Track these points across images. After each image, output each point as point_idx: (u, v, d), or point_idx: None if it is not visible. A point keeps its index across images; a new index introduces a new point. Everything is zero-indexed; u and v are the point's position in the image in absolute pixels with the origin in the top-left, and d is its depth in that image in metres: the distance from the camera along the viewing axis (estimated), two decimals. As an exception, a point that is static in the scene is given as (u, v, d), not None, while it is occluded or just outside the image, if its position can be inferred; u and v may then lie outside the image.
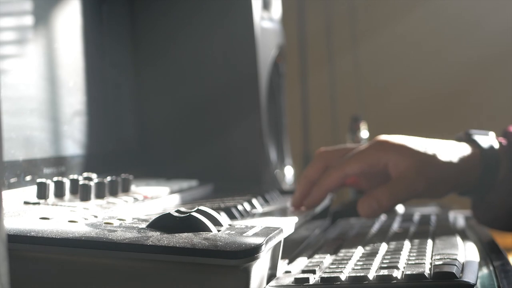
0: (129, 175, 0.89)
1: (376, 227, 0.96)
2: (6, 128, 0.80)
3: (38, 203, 0.75)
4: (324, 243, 0.87)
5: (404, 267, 0.67)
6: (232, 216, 0.81)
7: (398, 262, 0.68)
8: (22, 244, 0.60)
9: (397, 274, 0.64)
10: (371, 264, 0.69)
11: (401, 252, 0.73)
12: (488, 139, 0.98)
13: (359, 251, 0.77)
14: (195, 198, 0.99)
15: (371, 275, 0.64)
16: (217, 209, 0.79)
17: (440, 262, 0.67)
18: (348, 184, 1.00)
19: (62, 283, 0.60)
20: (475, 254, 0.75)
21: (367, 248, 0.78)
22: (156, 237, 0.60)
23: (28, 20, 0.89)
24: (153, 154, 1.15)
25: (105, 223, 0.66)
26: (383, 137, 0.95)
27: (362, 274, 0.64)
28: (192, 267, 0.59)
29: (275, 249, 0.69)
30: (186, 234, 0.61)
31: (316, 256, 0.76)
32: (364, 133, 1.36)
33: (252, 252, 0.59)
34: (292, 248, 0.83)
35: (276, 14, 1.29)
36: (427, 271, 0.64)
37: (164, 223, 0.64)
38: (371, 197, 0.91)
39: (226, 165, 1.14)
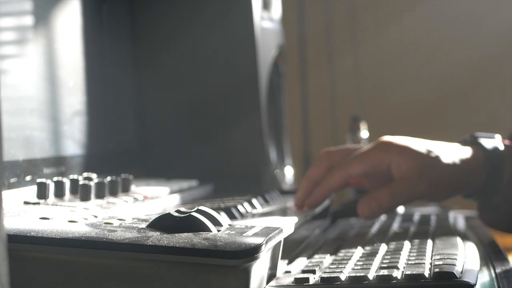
0: (129, 175, 0.89)
1: (376, 227, 0.96)
2: (6, 128, 0.80)
3: (38, 203, 0.75)
4: (324, 243, 0.87)
5: (404, 267, 0.67)
6: (232, 216, 0.81)
7: (398, 262, 0.68)
8: (22, 244, 0.60)
9: (397, 274, 0.64)
10: (371, 264, 0.69)
11: (401, 252, 0.73)
12: (493, 142, 0.97)
13: (359, 251, 0.77)
14: (195, 198, 0.99)
15: (371, 275, 0.64)
16: (217, 209, 0.79)
17: (440, 262, 0.67)
18: (352, 185, 1.00)
19: (62, 283, 0.60)
20: (475, 254, 0.75)
21: (367, 248, 0.78)
22: (156, 237, 0.60)
23: (28, 20, 0.89)
24: (153, 154, 1.15)
25: (105, 223, 0.66)
26: (387, 138, 0.95)
27: (362, 274, 0.64)
28: (192, 267, 0.59)
29: (275, 249, 0.69)
30: (186, 234, 0.61)
31: (316, 256, 0.76)
32: (364, 133, 1.36)
33: (252, 252, 0.59)
34: (292, 248, 0.83)
35: (276, 14, 1.29)
36: (427, 271, 0.64)
37: (164, 223, 0.64)
38: (371, 198, 0.91)
39: (226, 165, 1.14)
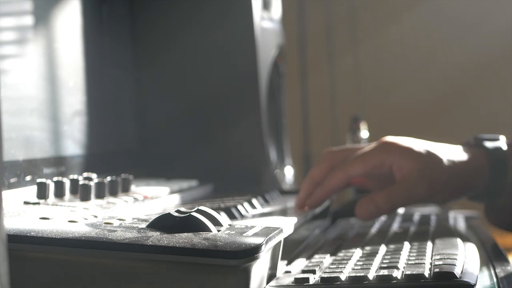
0: (129, 175, 0.89)
1: (376, 227, 0.96)
2: (6, 128, 0.80)
3: (38, 203, 0.75)
4: (324, 243, 0.87)
5: (404, 267, 0.67)
6: (232, 216, 0.81)
7: (398, 262, 0.68)
8: (22, 244, 0.60)
9: (397, 274, 0.64)
10: (371, 264, 0.69)
11: (401, 252, 0.73)
12: (497, 143, 0.97)
13: (359, 251, 0.77)
14: (195, 198, 0.99)
15: (371, 275, 0.64)
16: (217, 209, 0.79)
17: (440, 262, 0.67)
18: (354, 185, 1.00)
19: (62, 283, 0.60)
20: (475, 254, 0.75)
21: (367, 248, 0.78)
22: (156, 237, 0.60)
23: (28, 20, 0.89)
24: (153, 154, 1.15)
25: (105, 223, 0.66)
26: (389, 138, 0.95)
27: (362, 274, 0.64)
28: (192, 267, 0.59)
29: (275, 249, 0.69)
30: (186, 234, 0.61)
31: (316, 256, 0.76)
32: (364, 133, 1.36)
33: (252, 252, 0.59)
34: (292, 248, 0.83)
35: (276, 14, 1.29)
36: (427, 271, 0.64)
37: (164, 223, 0.64)
38: (369, 200, 0.91)
39: (226, 165, 1.14)
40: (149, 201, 0.85)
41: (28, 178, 0.82)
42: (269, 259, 0.68)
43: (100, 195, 0.82)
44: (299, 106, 2.72)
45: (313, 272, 0.67)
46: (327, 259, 0.74)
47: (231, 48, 1.14)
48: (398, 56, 2.83)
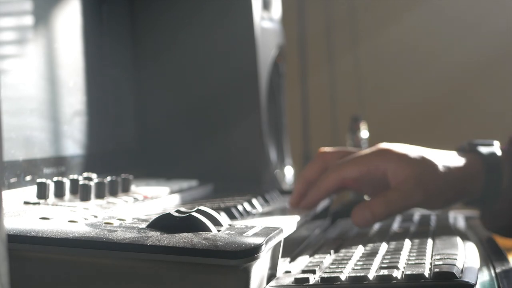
0: (129, 175, 0.89)
1: (376, 227, 0.96)
2: (6, 128, 0.80)
3: (38, 203, 0.75)
4: (324, 243, 0.87)
5: (404, 267, 0.67)
6: (232, 216, 0.81)
7: (398, 262, 0.68)
8: (22, 244, 0.60)
9: (397, 274, 0.64)
10: (371, 264, 0.69)
11: (401, 252, 0.73)
12: (491, 148, 0.97)
13: (359, 251, 0.77)
14: (195, 198, 0.99)
15: (371, 275, 0.64)
16: (217, 209, 0.79)
17: (440, 262, 0.67)
18: (350, 188, 1.00)
19: (62, 283, 0.60)
20: (475, 254, 0.75)
21: (367, 248, 0.78)
22: (156, 237, 0.60)
23: (28, 20, 0.89)
24: (153, 154, 1.15)
25: (105, 223, 0.66)
26: (385, 145, 0.95)
27: (362, 274, 0.64)
28: (192, 267, 0.59)
29: (275, 249, 0.69)
30: (186, 234, 0.61)
31: (316, 256, 0.76)
32: (364, 133, 1.36)
33: (252, 252, 0.59)
34: (292, 248, 0.83)
35: (276, 14, 1.29)
36: (427, 271, 0.64)
37: (164, 223, 0.64)
38: (365, 207, 0.91)
39: (226, 165, 1.14)
40: (149, 201, 0.85)
41: (28, 178, 0.82)
42: (269, 259, 0.68)
43: (100, 195, 0.82)
44: (299, 106, 2.72)
45: (313, 272, 0.67)
46: (327, 259, 0.74)
47: (231, 48, 1.14)
48: (398, 56, 2.82)
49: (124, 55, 1.14)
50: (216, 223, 0.66)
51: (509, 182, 0.95)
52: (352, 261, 0.71)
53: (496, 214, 0.98)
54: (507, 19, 2.71)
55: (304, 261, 0.75)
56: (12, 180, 0.79)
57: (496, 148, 0.97)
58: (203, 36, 1.14)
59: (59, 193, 0.80)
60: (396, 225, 0.97)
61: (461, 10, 2.78)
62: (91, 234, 0.61)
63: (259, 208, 0.92)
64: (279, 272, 0.70)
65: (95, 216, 0.70)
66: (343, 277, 0.64)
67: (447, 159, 0.94)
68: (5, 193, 0.77)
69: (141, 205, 0.82)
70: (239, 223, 0.70)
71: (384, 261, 0.70)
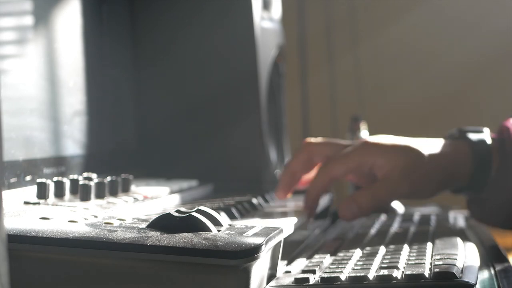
0: (129, 175, 0.89)
1: (376, 227, 0.96)
2: (6, 128, 0.80)
3: (38, 203, 0.75)
4: (324, 243, 0.87)
5: (404, 267, 0.67)
6: (232, 216, 0.81)
7: (398, 262, 0.68)
8: (22, 244, 0.60)
9: (397, 274, 0.64)
10: (371, 264, 0.69)
11: (401, 252, 0.73)
12: (481, 135, 0.96)
13: (359, 251, 0.77)
14: (195, 198, 0.99)
15: (371, 275, 0.64)
16: (217, 209, 0.79)
17: (440, 262, 0.67)
18: (348, 179, 1.00)
19: (62, 283, 0.60)
20: (475, 254, 0.75)
21: (367, 248, 0.78)
22: (156, 237, 0.60)
23: (28, 20, 0.89)
24: (153, 154, 1.15)
25: (105, 223, 0.66)
26: (369, 138, 0.95)
27: (362, 274, 0.64)
28: (192, 267, 0.59)
29: (275, 249, 0.69)
30: (186, 234, 0.61)
31: (316, 256, 0.76)
32: (364, 133, 1.37)
33: (252, 252, 0.59)
34: (292, 248, 0.83)
35: (276, 14, 1.29)
36: (427, 271, 0.64)
37: (164, 223, 0.64)
38: (351, 200, 0.91)
39: (226, 165, 1.14)
40: (149, 201, 0.85)
41: (28, 178, 0.82)
42: (269, 259, 0.68)
43: (100, 195, 0.82)
44: (299, 106, 2.72)
45: (313, 272, 0.67)
46: (327, 259, 0.74)
47: (231, 48, 1.14)
48: (398, 56, 2.83)
49: (124, 55, 1.14)
50: (216, 223, 0.66)
51: (498, 170, 0.95)
52: (352, 261, 0.71)
53: (483, 202, 0.97)
54: (507, 19, 2.71)
55: (304, 261, 0.75)
56: (12, 180, 0.79)
57: (486, 135, 0.96)
58: (203, 36, 1.14)
59: (59, 193, 0.80)
60: (396, 225, 0.97)
61: (461, 10, 2.78)
62: (91, 234, 0.61)
63: (259, 208, 0.92)
64: (279, 272, 0.70)
65: (95, 216, 0.70)
66: (343, 277, 0.64)
67: (433, 147, 0.94)
68: (5, 193, 0.77)
69: (141, 205, 0.82)
70: (239, 223, 0.70)
71: (384, 261, 0.70)
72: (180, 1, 1.15)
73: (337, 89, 2.84)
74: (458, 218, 1.07)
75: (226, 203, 0.87)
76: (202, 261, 0.59)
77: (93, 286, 0.60)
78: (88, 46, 1.02)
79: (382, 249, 0.77)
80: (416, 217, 1.03)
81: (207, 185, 1.08)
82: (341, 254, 0.76)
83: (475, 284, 0.62)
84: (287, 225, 0.76)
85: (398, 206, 1.13)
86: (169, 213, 0.64)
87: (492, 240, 0.94)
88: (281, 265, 0.72)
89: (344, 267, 0.67)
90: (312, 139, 0.99)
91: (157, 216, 0.65)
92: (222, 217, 0.70)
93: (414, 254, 0.73)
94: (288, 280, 0.65)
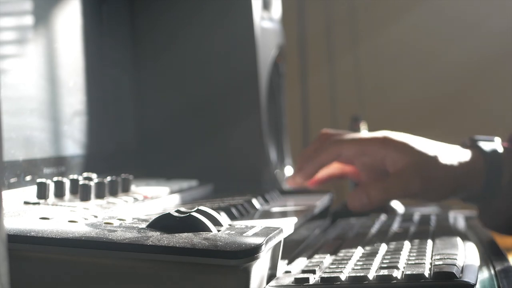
0: (129, 175, 0.89)
1: (376, 227, 0.96)
2: (6, 128, 0.80)
3: (38, 203, 0.75)
4: (324, 243, 0.87)
5: (404, 267, 0.67)
6: (232, 216, 0.81)
7: (398, 262, 0.68)
8: (22, 244, 0.60)
9: (397, 274, 0.64)
10: (371, 264, 0.69)
11: (401, 252, 0.73)
12: (492, 144, 0.97)
13: (359, 251, 0.77)
14: (195, 198, 0.99)
15: (371, 275, 0.64)
16: (217, 209, 0.79)
17: (440, 262, 0.67)
18: (349, 176, 1.00)
19: (62, 283, 0.60)
20: (475, 254, 0.75)
21: (367, 248, 0.78)
22: (156, 237, 0.60)
23: (28, 20, 0.89)
24: (153, 154, 1.15)
25: (105, 223, 0.66)
26: (386, 133, 0.95)
27: (362, 274, 0.64)
28: (192, 267, 0.59)
29: (275, 249, 0.69)
30: (186, 234, 0.61)
31: (316, 256, 0.76)
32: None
33: (252, 252, 0.59)
34: (292, 248, 0.83)
35: (276, 14, 1.29)
36: (427, 271, 0.64)
37: (164, 223, 0.64)
38: (362, 190, 0.91)
39: (226, 165, 1.14)
40: (149, 201, 0.85)
41: (28, 178, 0.82)
42: (269, 259, 0.68)
43: (100, 195, 0.82)
44: (299, 106, 2.72)
45: (313, 272, 0.67)
46: (327, 259, 0.74)
47: (231, 48, 1.14)
48: (398, 56, 2.82)
49: (124, 55, 1.14)
50: (216, 223, 0.66)
51: (509, 180, 0.95)
52: (352, 261, 0.71)
53: (494, 211, 0.98)
54: (507, 19, 2.71)
55: (304, 261, 0.75)
56: (12, 180, 0.79)
57: (497, 145, 0.97)
58: (203, 36, 1.14)
59: (59, 193, 0.80)
60: (396, 225, 0.97)
61: (461, 10, 2.78)
62: (91, 234, 0.61)
63: (259, 208, 0.92)
64: (279, 272, 0.70)
65: (95, 216, 0.70)
66: (343, 277, 0.64)
67: (449, 152, 0.94)
68: (5, 193, 0.77)
69: (141, 205, 0.82)
70: (239, 223, 0.70)
71: (384, 261, 0.70)
72: (180, 1, 1.15)
73: (337, 89, 2.84)
74: (458, 218, 1.07)
75: (226, 203, 0.87)
76: (202, 261, 0.59)
77: (93, 286, 0.60)
78: (88, 46, 1.02)
79: (382, 249, 0.77)
80: (416, 217, 1.03)
81: (207, 185, 1.08)
82: (341, 254, 0.76)
83: (475, 284, 0.62)
84: (287, 225, 0.76)
85: (398, 206, 1.13)
86: (169, 213, 0.64)
87: (492, 240, 0.94)
88: (281, 265, 0.72)
89: (344, 267, 0.67)
90: (330, 129, 1.00)
91: (157, 216, 0.65)
92: (222, 217, 0.70)
93: (414, 254, 0.73)
94: (288, 280, 0.65)
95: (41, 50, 0.90)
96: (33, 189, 0.78)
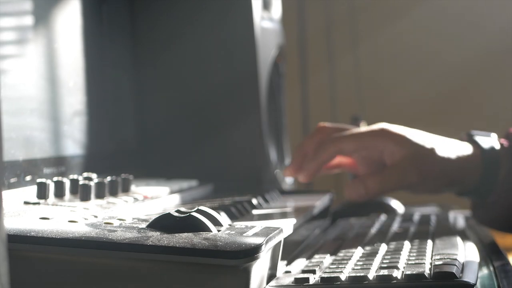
0: (129, 175, 0.89)
1: (376, 227, 0.96)
2: (6, 128, 0.80)
3: (38, 203, 0.75)
4: (324, 243, 0.87)
5: (404, 267, 0.67)
6: (232, 216, 0.81)
7: (398, 262, 0.68)
8: (22, 244, 0.60)
9: (397, 274, 0.64)
10: (371, 264, 0.69)
11: (401, 252, 0.73)
12: (490, 140, 0.97)
13: (359, 251, 0.77)
14: (195, 198, 0.99)
15: (371, 275, 0.64)
16: (217, 209, 0.79)
17: (440, 262, 0.67)
18: (347, 169, 1.00)
19: (62, 283, 0.60)
20: (475, 254, 0.75)
21: (367, 248, 0.78)
22: (156, 237, 0.60)
23: (28, 20, 0.89)
24: (153, 154, 1.15)
25: (105, 223, 0.66)
26: (384, 125, 0.95)
27: (362, 274, 0.64)
28: (192, 267, 0.59)
29: (275, 249, 0.69)
30: (186, 234, 0.61)
31: (316, 256, 0.76)
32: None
33: (252, 252, 0.59)
34: (292, 248, 0.83)
35: (276, 14, 1.29)
36: (427, 271, 0.64)
37: (164, 223, 0.64)
38: (359, 181, 0.91)
39: (226, 165, 1.14)
40: (149, 201, 0.85)
41: (28, 178, 0.82)
42: (269, 259, 0.68)
43: (100, 195, 0.82)
44: (299, 106, 2.72)
45: (313, 272, 0.67)
46: (327, 259, 0.74)
47: (231, 48, 1.14)
48: (398, 56, 2.82)
49: (124, 55, 1.14)
50: (216, 223, 0.66)
51: (504, 177, 0.95)
52: (352, 261, 0.71)
53: (489, 206, 0.98)
54: (507, 17, 2.71)
55: (304, 261, 0.75)
56: (12, 180, 0.79)
57: (494, 141, 0.97)
58: (203, 36, 1.14)
59: (59, 193, 0.80)
60: (396, 225, 0.97)
61: (461, 10, 2.78)
62: (91, 234, 0.61)
63: (259, 208, 0.92)
64: (279, 272, 0.70)
65: (95, 216, 0.70)
66: (343, 277, 0.64)
67: (446, 145, 0.95)
68: (5, 193, 0.77)
69: (141, 205, 0.82)
70: (239, 223, 0.70)
71: (384, 261, 0.70)
72: (180, 1, 1.15)
73: (337, 89, 2.84)
74: (458, 218, 1.07)
75: (226, 203, 0.87)
76: (202, 261, 0.59)
77: (93, 286, 0.60)
78: (88, 46, 1.02)
79: (382, 249, 0.77)
80: (416, 217, 1.03)
81: (207, 185, 1.08)
82: (341, 254, 0.76)
83: (475, 284, 0.62)
84: (287, 225, 0.76)
85: (398, 206, 1.13)
86: (169, 213, 0.64)
87: (492, 240, 0.94)
88: (281, 265, 0.72)
89: (344, 267, 0.67)
90: (326, 123, 1.00)
91: (157, 216, 0.65)
92: (222, 217, 0.70)
93: (414, 254, 0.73)
94: (288, 280, 0.65)
95: (41, 50, 0.90)
96: (33, 189, 0.78)
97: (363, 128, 0.96)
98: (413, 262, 0.69)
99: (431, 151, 0.93)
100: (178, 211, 0.65)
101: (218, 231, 0.64)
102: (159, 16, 1.15)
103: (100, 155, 1.03)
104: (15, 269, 0.52)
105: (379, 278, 0.63)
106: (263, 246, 0.60)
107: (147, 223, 0.65)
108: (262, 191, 1.02)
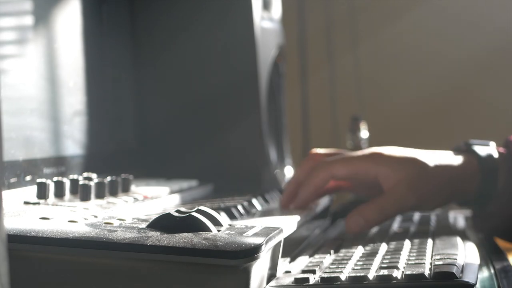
0: (129, 175, 0.89)
1: (376, 227, 0.96)
2: (6, 128, 0.80)
3: (38, 203, 0.75)
4: (324, 243, 0.87)
5: (404, 267, 0.67)
6: (232, 216, 0.82)
7: (398, 262, 0.68)
8: (22, 244, 0.60)
9: (397, 274, 0.64)
10: (371, 264, 0.69)
11: (401, 252, 0.73)
12: (487, 149, 0.97)
13: (359, 251, 0.77)
14: (195, 198, 0.99)
15: (371, 275, 0.64)
16: (217, 209, 0.79)
17: (440, 262, 0.67)
18: (344, 189, 1.00)
19: (62, 283, 0.60)
20: (475, 254, 0.75)
21: (367, 248, 0.78)
22: (156, 237, 0.60)
23: (28, 20, 0.89)
24: (153, 154, 1.15)
25: (105, 223, 0.66)
26: (376, 149, 0.94)
27: (362, 274, 0.64)
28: (192, 267, 0.59)
29: (275, 249, 0.69)
30: (186, 234, 0.61)
31: (316, 256, 0.76)
32: (364, 133, 1.36)
33: (252, 252, 0.59)
34: (292, 248, 0.83)
35: (276, 14, 1.29)
36: (427, 271, 0.64)
37: (164, 223, 0.64)
38: (358, 214, 0.90)
39: (226, 165, 1.14)
40: (149, 201, 0.85)
41: (28, 178, 0.82)
42: (269, 259, 0.68)
43: (100, 195, 0.82)
44: (299, 106, 2.72)
45: (313, 272, 0.67)
46: (327, 259, 0.74)
47: (231, 48, 1.14)
48: (398, 56, 2.82)
49: (124, 55, 1.14)
50: (216, 223, 0.66)
51: (503, 185, 0.95)
52: (352, 261, 0.71)
53: (489, 215, 0.97)
54: (507, 17, 2.71)
55: (304, 261, 0.75)
56: (12, 180, 0.79)
57: (492, 149, 0.97)
58: (203, 36, 1.14)
59: (59, 193, 0.80)
60: (396, 225, 0.97)
61: (461, 10, 2.78)
62: (91, 234, 0.61)
63: (259, 208, 0.92)
64: (279, 272, 0.70)
65: (95, 216, 0.70)
66: (343, 277, 0.64)
67: (441, 159, 0.94)
68: (5, 193, 0.77)
69: (141, 205, 0.82)
70: (239, 223, 0.70)
71: (384, 261, 0.70)
72: (180, 1, 1.15)
73: (337, 89, 2.84)
74: (458, 218, 1.07)
75: (226, 203, 0.87)
76: (202, 261, 0.59)
77: (93, 286, 0.60)
78: (88, 46, 1.02)
79: (382, 249, 0.77)
80: (416, 217, 1.03)
81: (207, 185, 1.08)
82: (341, 254, 0.76)
83: (475, 284, 0.62)
84: (287, 225, 0.76)
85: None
86: (169, 213, 0.64)
87: (492, 240, 0.94)
88: (281, 265, 0.72)
89: (344, 267, 0.67)
90: (318, 150, 0.99)
91: (157, 216, 0.65)
92: (222, 217, 0.70)
93: (414, 254, 0.73)
94: (288, 280, 0.65)
95: (41, 50, 0.90)
96: (33, 189, 0.78)
97: (356, 152, 0.95)
98: (413, 262, 0.69)
99: (426, 170, 0.92)
100: (178, 211, 0.65)
101: (218, 231, 0.64)
102: (159, 16, 1.15)
103: (100, 155, 1.03)
104: (15, 269, 0.52)
105: (379, 278, 0.63)
106: (263, 246, 0.60)
107: (147, 223, 0.65)
108: (262, 191, 1.02)
